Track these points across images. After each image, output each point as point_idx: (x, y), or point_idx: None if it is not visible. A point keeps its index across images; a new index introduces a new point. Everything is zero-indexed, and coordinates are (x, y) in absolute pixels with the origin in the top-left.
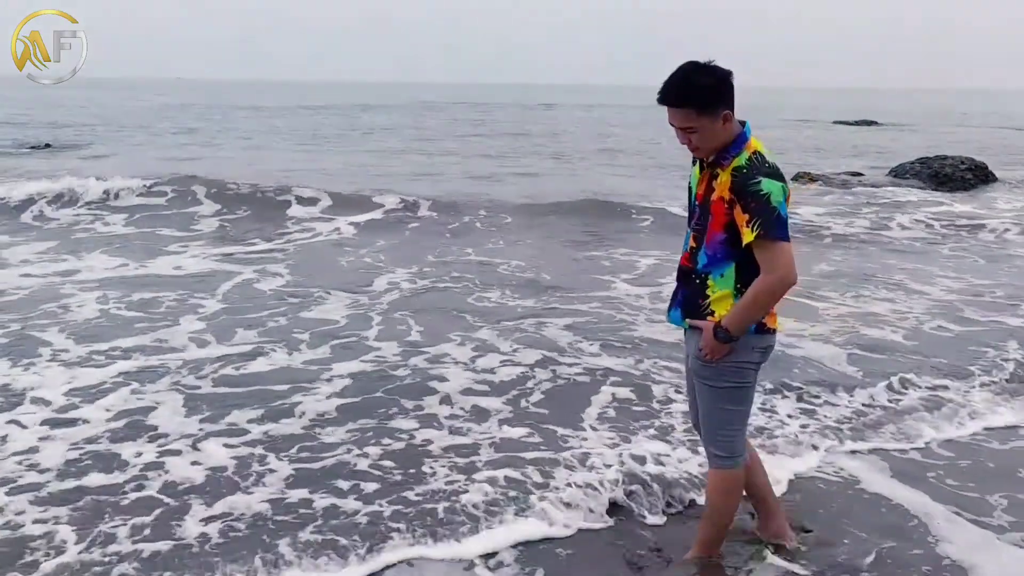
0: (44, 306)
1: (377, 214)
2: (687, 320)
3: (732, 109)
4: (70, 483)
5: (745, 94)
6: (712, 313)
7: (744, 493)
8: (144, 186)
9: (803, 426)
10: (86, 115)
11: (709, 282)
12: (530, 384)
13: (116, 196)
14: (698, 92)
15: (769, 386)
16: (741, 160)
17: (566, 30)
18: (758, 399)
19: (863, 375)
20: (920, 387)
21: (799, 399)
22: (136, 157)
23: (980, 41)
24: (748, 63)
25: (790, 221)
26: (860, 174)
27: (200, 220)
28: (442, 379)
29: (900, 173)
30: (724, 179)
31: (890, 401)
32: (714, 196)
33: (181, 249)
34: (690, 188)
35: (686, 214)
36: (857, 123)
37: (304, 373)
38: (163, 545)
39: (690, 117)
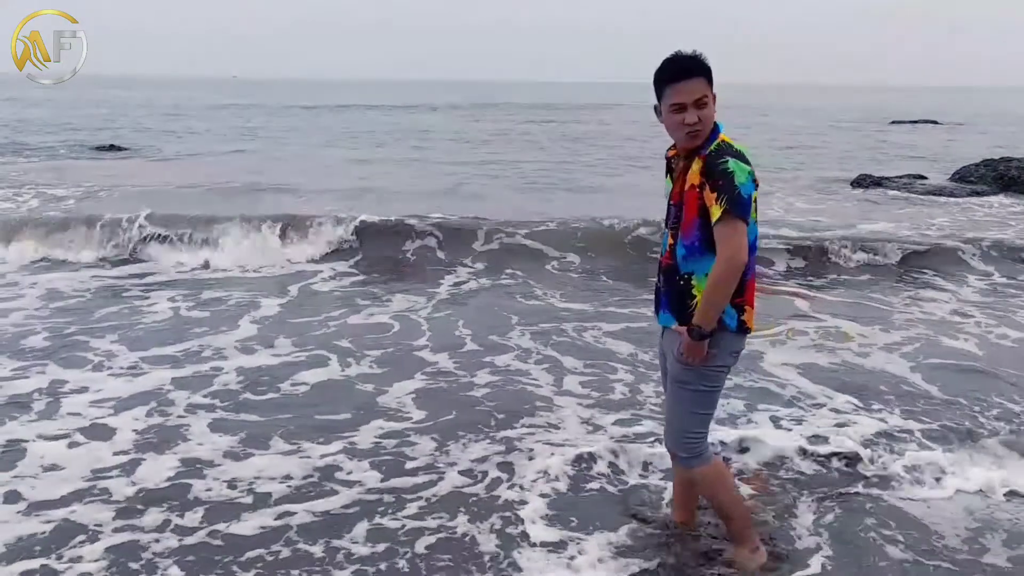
0: (106, 309)
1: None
2: (674, 326)
3: None
4: (98, 491)
5: (785, 93)
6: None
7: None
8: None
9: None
10: (141, 115)
11: (693, 282)
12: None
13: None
14: (706, 64)
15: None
16: (712, 147)
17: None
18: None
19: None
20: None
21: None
22: (207, 162)
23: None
24: (792, 61)
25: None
26: (923, 177)
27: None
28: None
29: (964, 176)
30: (695, 168)
31: None
32: (687, 186)
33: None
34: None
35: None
36: (916, 122)
37: (374, 380)
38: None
39: (703, 86)
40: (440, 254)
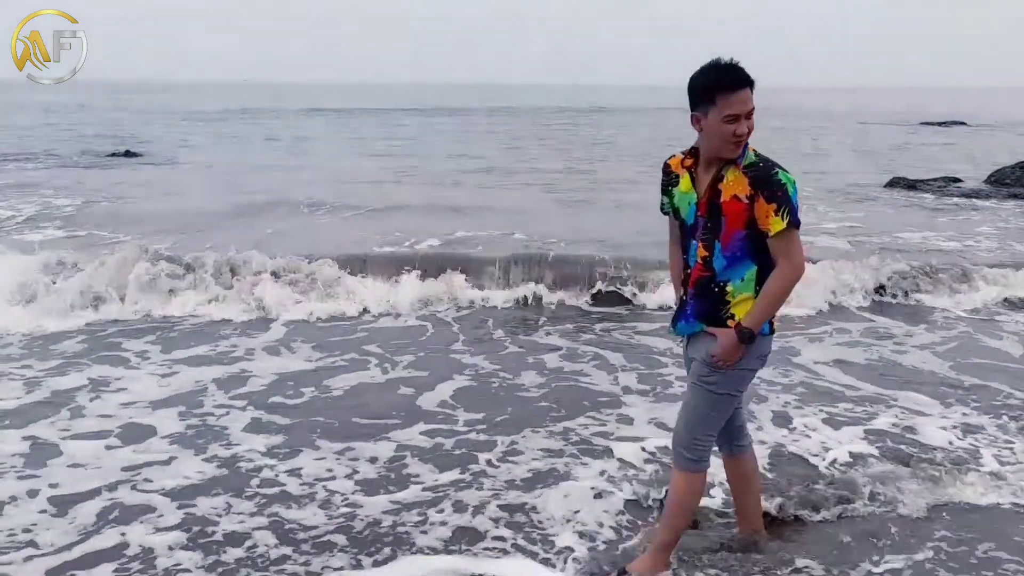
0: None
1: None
2: (707, 328)
3: None
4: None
5: (814, 94)
6: (732, 317)
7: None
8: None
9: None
10: (153, 120)
11: (728, 288)
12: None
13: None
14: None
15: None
16: (750, 158)
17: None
18: None
19: None
20: None
21: None
22: (225, 172)
23: None
24: (815, 61)
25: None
26: (958, 180)
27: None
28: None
29: (1000, 179)
30: (734, 178)
31: None
32: (725, 197)
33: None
34: (675, 208)
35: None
36: (944, 124)
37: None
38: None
39: (751, 97)
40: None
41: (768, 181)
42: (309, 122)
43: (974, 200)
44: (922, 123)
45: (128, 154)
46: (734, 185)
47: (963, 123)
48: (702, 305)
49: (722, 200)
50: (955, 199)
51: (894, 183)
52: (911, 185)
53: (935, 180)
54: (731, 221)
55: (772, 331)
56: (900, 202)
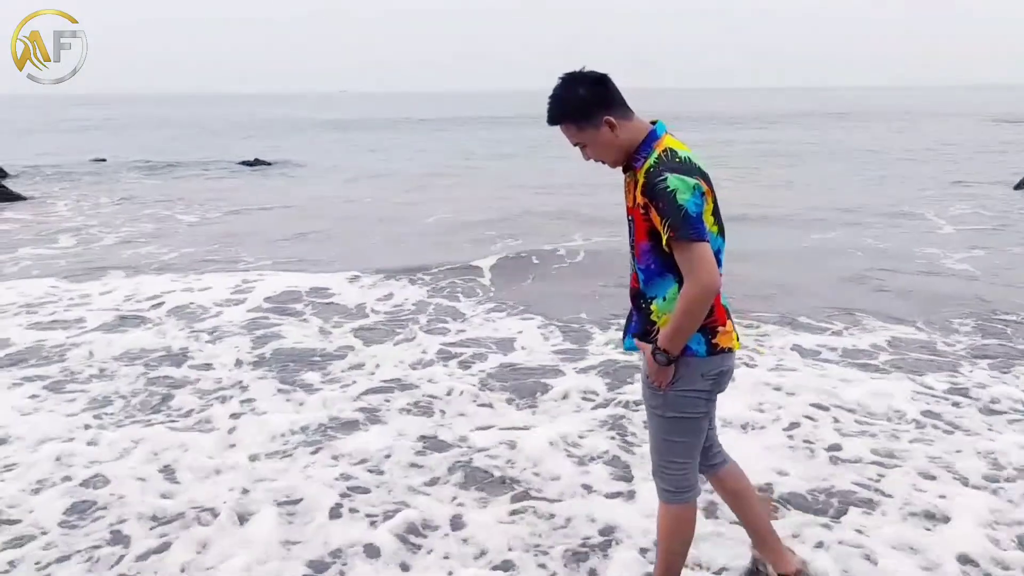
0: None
1: None
2: (637, 342)
3: (615, 112)
4: None
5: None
6: None
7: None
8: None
9: None
10: (271, 130)
11: (653, 307)
12: None
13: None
14: (570, 106)
15: None
16: (651, 159)
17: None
18: None
19: None
20: None
21: None
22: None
23: None
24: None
25: None
26: None
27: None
28: None
29: None
30: (641, 184)
31: None
32: (632, 205)
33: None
34: None
35: None
36: None
37: None
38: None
39: (572, 132)
40: None
41: (654, 189)
42: (428, 129)
43: None
44: None
45: (258, 163)
46: (639, 192)
47: None
48: (639, 321)
49: (631, 208)
50: None
51: None
52: None
53: None
54: (637, 231)
55: (714, 351)
56: None
